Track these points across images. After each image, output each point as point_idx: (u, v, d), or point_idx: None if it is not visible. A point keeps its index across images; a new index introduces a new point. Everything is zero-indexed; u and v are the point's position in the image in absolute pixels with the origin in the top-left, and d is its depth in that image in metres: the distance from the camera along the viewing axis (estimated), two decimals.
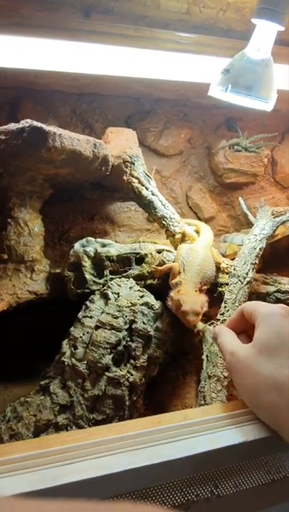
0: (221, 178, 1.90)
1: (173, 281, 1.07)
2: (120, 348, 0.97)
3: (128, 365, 0.95)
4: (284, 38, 1.36)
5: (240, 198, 1.47)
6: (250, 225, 1.41)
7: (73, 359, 0.96)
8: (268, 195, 2.09)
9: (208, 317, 1.43)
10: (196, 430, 0.45)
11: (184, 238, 1.26)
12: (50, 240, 1.85)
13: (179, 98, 1.89)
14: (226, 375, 0.95)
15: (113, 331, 0.97)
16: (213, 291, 1.20)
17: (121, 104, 1.81)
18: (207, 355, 1.01)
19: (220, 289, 1.16)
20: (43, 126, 0.95)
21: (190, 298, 0.94)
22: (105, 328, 0.98)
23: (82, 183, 1.39)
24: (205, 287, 1.05)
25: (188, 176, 1.98)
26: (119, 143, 1.29)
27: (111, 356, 0.94)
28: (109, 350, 0.94)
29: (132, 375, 0.94)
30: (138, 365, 0.96)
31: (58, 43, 1.12)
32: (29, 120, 0.94)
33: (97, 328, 0.99)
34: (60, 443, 0.42)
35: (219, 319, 1.05)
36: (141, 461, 0.40)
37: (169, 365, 1.40)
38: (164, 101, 1.87)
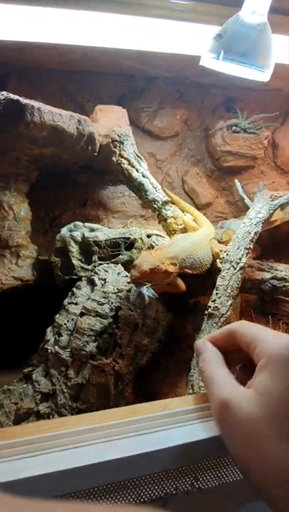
0: (218, 162, 1.82)
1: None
2: (105, 335, 0.93)
3: (114, 353, 0.92)
4: (285, 7, 1.25)
5: (236, 181, 1.41)
6: (247, 210, 1.35)
7: (57, 346, 0.92)
8: (268, 179, 2.01)
9: (201, 304, 1.39)
10: (175, 421, 0.40)
11: (184, 229, 1.21)
12: (41, 226, 1.80)
13: (175, 76, 1.79)
14: None
15: (98, 318, 0.93)
16: (206, 280, 1.15)
17: (113, 83, 1.72)
18: None
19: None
20: (20, 98, 0.88)
21: (148, 257, 0.88)
22: (90, 315, 0.94)
23: (71, 165, 1.32)
24: (188, 270, 1.00)
25: (184, 159, 1.90)
26: (108, 121, 1.22)
27: (96, 344, 0.91)
28: (93, 337, 0.91)
29: (117, 363, 0.91)
30: (124, 353, 0.93)
31: (40, 11, 1.03)
32: (4, 92, 0.88)
33: (82, 315, 0.96)
34: (26, 434, 0.38)
35: (210, 306, 1.00)
36: (111, 453, 0.36)
37: (161, 353, 1.37)
38: (158, 79, 1.78)
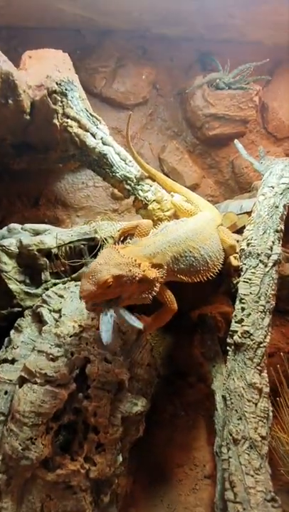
0: (201, 132, 1.45)
1: (134, 238, 0.64)
2: (66, 417, 0.52)
3: (85, 445, 0.51)
4: None
5: (236, 142, 1.04)
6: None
7: None
8: None
9: (209, 318, 1.01)
10: None
11: (175, 216, 0.82)
12: None
13: (134, 28, 1.40)
14: (264, 433, 0.53)
15: (49, 387, 0.51)
16: (217, 283, 0.77)
17: (54, 40, 1.29)
18: (225, 397, 0.58)
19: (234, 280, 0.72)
20: None
21: (112, 256, 0.50)
22: (35, 383, 0.52)
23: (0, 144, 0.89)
24: (184, 277, 0.60)
25: (158, 133, 1.51)
26: (41, 69, 0.81)
27: (49, 437, 0.49)
28: (44, 426, 0.49)
29: (94, 464, 0.50)
30: (105, 441, 0.52)
31: None
32: None
33: (22, 382, 0.54)
34: None
35: (235, 331, 0.62)
36: None
37: (162, 393, 0.97)
38: (113, 32, 1.38)
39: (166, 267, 0.57)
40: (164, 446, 0.84)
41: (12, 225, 0.81)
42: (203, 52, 1.53)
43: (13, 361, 0.58)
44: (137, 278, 0.50)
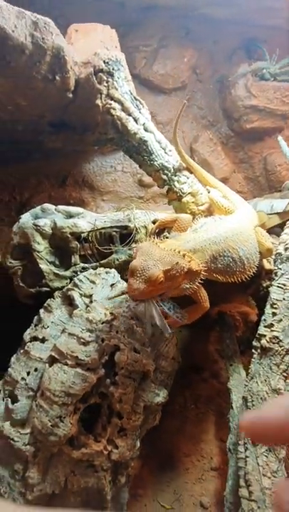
0: (238, 123, 1.39)
1: (172, 232, 0.64)
2: (93, 399, 0.53)
3: (108, 428, 0.53)
4: None
5: (280, 138, 0.99)
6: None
7: (8, 424, 0.52)
8: None
9: (228, 317, 1.01)
10: None
11: (209, 211, 0.80)
12: (6, 214, 1.36)
13: (179, 5, 1.32)
14: None
15: (79, 370, 0.53)
16: (245, 284, 0.76)
17: (96, 12, 1.25)
18: (246, 398, 0.58)
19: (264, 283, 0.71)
20: None
21: (155, 251, 0.49)
22: (65, 364, 0.54)
23: (36, 121, 0.88)
24: (220, 276, 0.60)
25: (192, 121, 1.46)
26: (88, 45, 0.78)
27: (76, 417, 0.51)
28: (72, 406, 0.51)
29: (116, 447, 0.52)
30: (127, 426, 0.54)
31: None
32: None
33: (52, 362, 0.55)
34: None
35: (264, 335, 0.61)
36: None
37: (175, 384, 0.99)
38: (158, 9, 1.31)
39: (200, 259, 0.57)
40: (174, 435, 0.87)
41: (46, 205, 0.81)
42: (249, 38, 1.44)
43: (43, 340, 0.59)
44: (185, 269, 0.50)
